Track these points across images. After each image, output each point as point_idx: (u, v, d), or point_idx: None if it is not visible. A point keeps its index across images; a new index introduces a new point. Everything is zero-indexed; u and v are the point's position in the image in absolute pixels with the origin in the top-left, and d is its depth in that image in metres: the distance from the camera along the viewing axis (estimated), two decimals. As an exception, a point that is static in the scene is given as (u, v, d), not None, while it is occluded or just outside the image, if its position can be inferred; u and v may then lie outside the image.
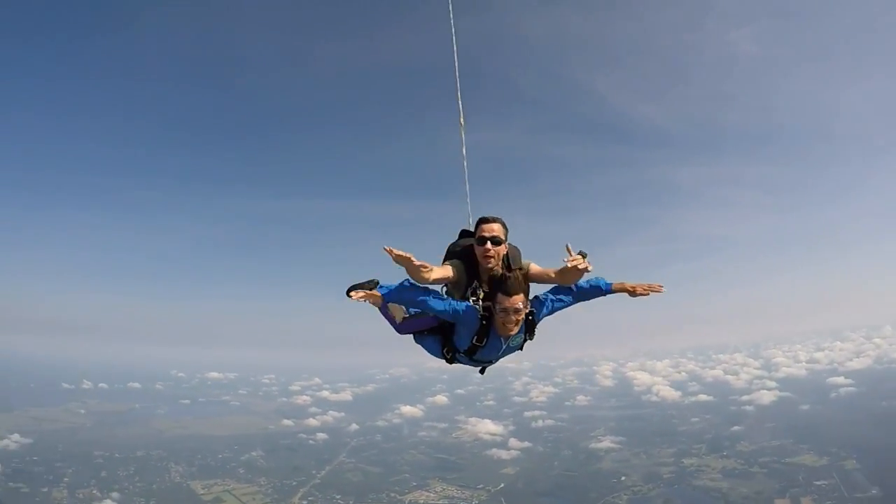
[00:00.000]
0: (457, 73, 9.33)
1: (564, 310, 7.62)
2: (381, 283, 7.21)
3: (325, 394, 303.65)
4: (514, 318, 6.77)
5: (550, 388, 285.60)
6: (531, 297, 7.36)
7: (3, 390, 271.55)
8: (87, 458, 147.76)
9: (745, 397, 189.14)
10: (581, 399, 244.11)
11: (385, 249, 6.22)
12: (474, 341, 7.24)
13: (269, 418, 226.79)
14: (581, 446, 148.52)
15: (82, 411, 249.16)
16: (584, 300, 7.61)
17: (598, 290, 7.51)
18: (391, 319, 8.14)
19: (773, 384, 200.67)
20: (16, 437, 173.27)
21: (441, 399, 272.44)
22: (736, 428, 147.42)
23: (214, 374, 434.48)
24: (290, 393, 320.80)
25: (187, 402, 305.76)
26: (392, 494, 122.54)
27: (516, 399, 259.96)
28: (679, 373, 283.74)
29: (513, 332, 7.00)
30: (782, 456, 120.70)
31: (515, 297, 6.64)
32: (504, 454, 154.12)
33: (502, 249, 7.21)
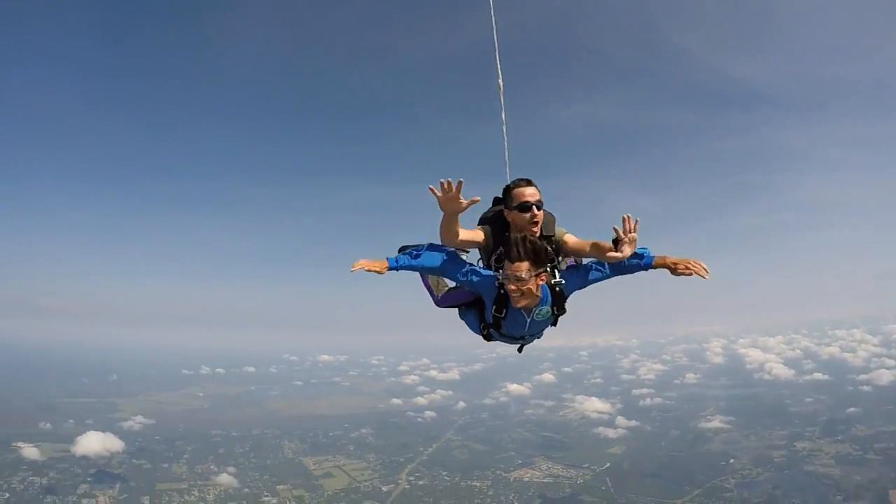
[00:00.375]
0: (494, 30, 8.65)
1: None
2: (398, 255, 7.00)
3: (433, 373, 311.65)
4: (515, 286, 6.32)
5: (659, 366, 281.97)
6: (567, 265, 7.41)
7: (127, 378, 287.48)
8: (205, 437, 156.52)
9: (862, 377, 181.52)
10: (690, 377, 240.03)
11: (431, 189, 6.13)
12: (494, 312, 7.00)
13: (379, 398, 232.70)
14: (689, 426, 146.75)
15: (201, 394, 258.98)
16: (623, 273, 7.26)
17: (637, 266, 7.02)
18: (431, 291, 8.12)
19: (893, 363, 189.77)
20: (139, 418, 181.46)
21: (548, 377, 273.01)
22: (852, 410, 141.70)
23: (325, 357, 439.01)
24: (398, 373, 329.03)
25: (300, 383, 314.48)
26: (497, 472, 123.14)
27: (624, 377, 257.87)
28: (793, 350, 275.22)
29: (521, 304, 6.59)
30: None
31: (519, 264, 6.22)
32: (611, 432, 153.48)
33: (543, 216, 6.97)
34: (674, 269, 6.78)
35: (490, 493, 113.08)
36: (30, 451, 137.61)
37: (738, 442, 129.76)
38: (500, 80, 8.68)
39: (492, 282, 6.79)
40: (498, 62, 8.77)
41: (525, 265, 6.17)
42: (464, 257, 7.41)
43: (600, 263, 7.09)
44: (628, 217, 6.36)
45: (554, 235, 7.13)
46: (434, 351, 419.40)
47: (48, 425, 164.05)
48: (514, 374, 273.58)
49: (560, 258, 7.29)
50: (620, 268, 7.03)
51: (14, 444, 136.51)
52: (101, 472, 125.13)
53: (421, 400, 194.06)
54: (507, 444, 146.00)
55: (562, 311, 7.17)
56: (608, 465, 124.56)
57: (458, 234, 6.61)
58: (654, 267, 6.93)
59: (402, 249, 7.09)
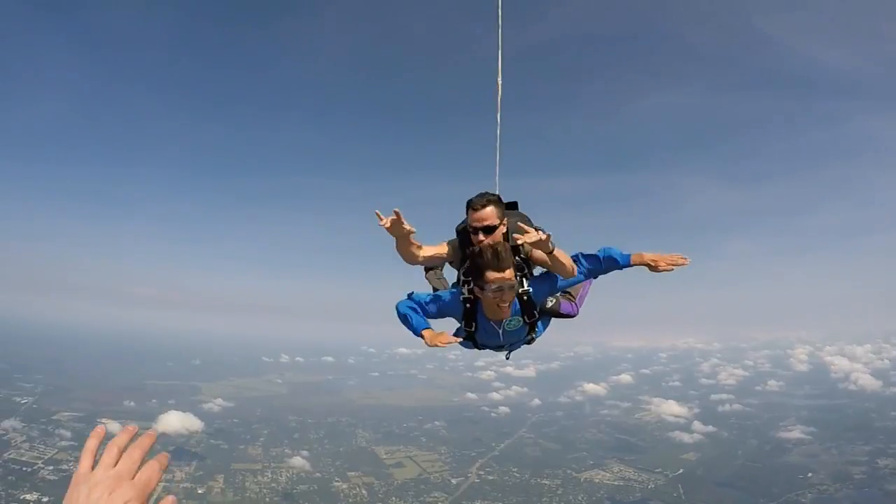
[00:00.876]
0: (500, 27, 8.72)
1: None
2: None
3: (509, 370, 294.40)
4: (496, 296, 6.33)
5: (740, 371, 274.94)
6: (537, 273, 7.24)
7: (209, 363, 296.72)
8: (281, 422, 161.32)
9: None
10: (772, 384, 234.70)
11: (376, 213, 6.22)
12: (465, 327, 7.09)
13: (454, 391, 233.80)
14: (768, 436, 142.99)
15: (279, 381, 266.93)
16: (599, 274, 7.38)
17: (613, 263, 7.08)
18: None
19: None
20: (219, 401, 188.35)
21: (625, 378, 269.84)
22: None
23: (403, 350, 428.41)
24: (474, 368, 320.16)
25: (376, 374, 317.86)
26: (568, 471, 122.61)
27: (703, 381, 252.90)
28: (882, 360, 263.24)
29: (502, 315, 6.78)
30: None
31: (499, 274, 6.19)
32: (686, 437, 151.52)
33: (497, 235, 6.64)
34: (653, 267, 6.90)
35: (559, 492, 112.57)
36: (113, 426, 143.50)
37: (817, 455, 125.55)
38: (500, 79, 8.83)
39: (457, 298, 6.88)
40: (500, 60, 8.95)
41: (504, 274, 6.14)
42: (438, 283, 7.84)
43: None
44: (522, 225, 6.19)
45: (523, 245, 6.71)
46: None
47: (132, 404, 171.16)
48: (590, 374, 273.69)
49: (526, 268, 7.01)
50: (595, 270, 7.20)
51: (100, 420, 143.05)
52: (179, 449, 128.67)
53: (496, 395, 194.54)
54: (580, 444, 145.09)
55: (532, 318, 7.15)
56: (681, 470, 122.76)
57: (416, 254, 6.72)
58: (632, 265, 7.02)
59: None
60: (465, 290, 6.72)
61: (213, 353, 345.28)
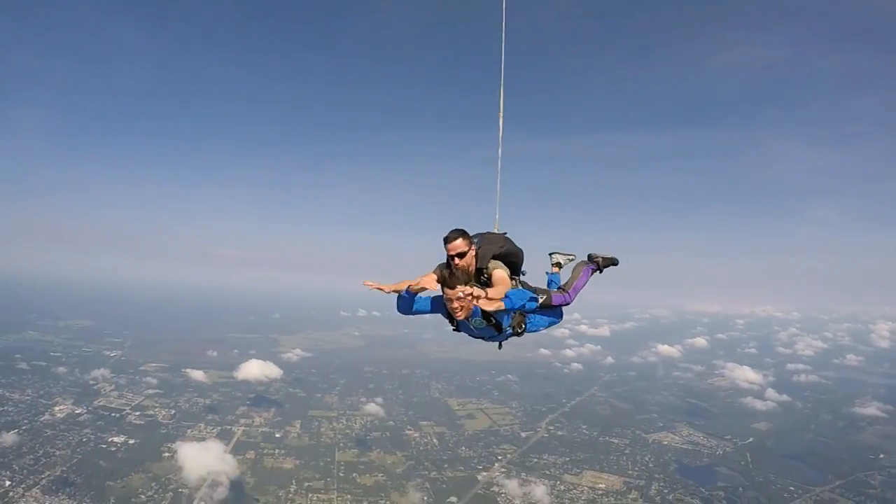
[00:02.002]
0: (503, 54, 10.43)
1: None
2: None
3: (584, 328, 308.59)
4: (454, 304, 8.34)
5: (818, 343, 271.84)
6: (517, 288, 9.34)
7: (289, 317, 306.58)
8: (357, 373, 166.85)
9: None
10: (851, 358, 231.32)
11: (366, 284, 8.72)
12: (451, 324, 9.22)
13: (527, 347, 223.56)
14: (843, 412, 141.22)
15: (357, 333, 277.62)
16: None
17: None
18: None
19: None
20: (297, 351, 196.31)
21: (700, 342, 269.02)
22: None
23: None
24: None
25: (452, 328, 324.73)
26: (637, 432, 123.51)
27: (780, 350, 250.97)
28: None
29: (461, 317, 8.51)
30: None
31: (452, 291, 8.18)
32: (759, 404, 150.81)
33: (468, 259, 8.83)
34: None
35: (627, 451, 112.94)
36: (196, 374, 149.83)
37: (892, 436, 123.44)
38: (501, 110, 10.52)
39: (442, 304, 8.76)
40: (501, 94, 10.39)
41: (457, 291, 8.09)
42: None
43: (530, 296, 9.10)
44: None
45: (487, 268, 9.03)
46: (587, 307, 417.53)
47: (214, 353, 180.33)
48: (665, 336, 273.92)
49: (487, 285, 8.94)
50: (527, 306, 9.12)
51: (184, 370, 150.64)
52: (259, 396, 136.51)
53: (569, 352, 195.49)
54: (651, 406, 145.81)
55: (492, 322, 8.97)
56: (751, 439, 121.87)
57: (427, 287, 8.52)
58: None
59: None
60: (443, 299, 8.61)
61: (293, 308, 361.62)
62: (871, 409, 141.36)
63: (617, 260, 11.18)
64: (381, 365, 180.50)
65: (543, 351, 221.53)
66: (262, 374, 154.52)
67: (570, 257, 11.66)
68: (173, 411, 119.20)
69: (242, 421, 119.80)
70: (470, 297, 8.13)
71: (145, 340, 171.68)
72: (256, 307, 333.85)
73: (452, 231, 8.88)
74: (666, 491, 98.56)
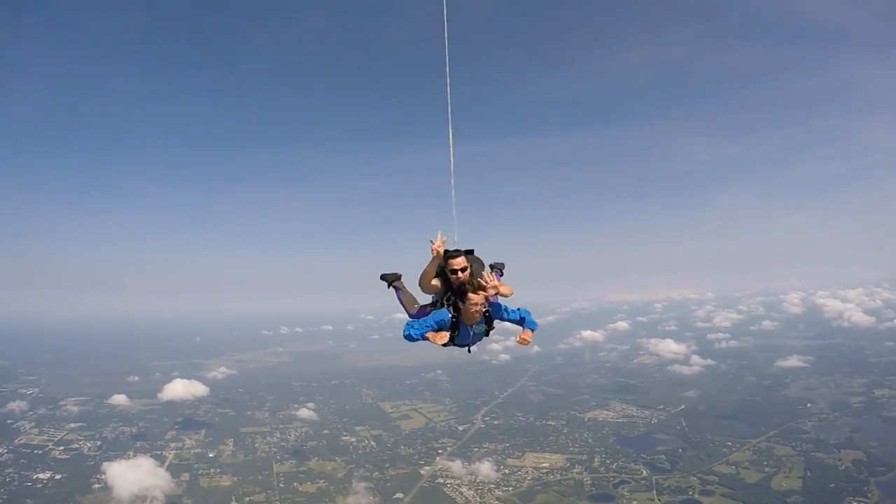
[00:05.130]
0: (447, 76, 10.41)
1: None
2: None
3: (507, 325, 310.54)
4: (475, 309, 9.47)
5: (734, 315, 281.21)
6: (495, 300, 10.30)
7: (210, 340, 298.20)
8: (286, 388, 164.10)
9: None
10: (767, 324, 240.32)
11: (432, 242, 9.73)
12: (451, 335, 9.96)
13: (453, 348, 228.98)
14: (766, 372, 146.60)
15: (281, 349, 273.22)
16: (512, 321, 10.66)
17: (516, 323, 10.56)
18: (406, 310, 11.88)
19: None
20: (222, 369, 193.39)
21: (622, 325, 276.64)
22: None
23: (401, 316, 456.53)
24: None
25: (376, 337, 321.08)
26: (572, 412, 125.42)
27: (699, 324, 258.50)
28: (874, 300, 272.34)
29: (472, 321, 9.78)
30: None
31: (477, 296, 9.31)
32: (686, 370, 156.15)
33: (468, 273, 9.89)
34: (520, 341, 10.43)
35: (565, 431, 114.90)
36: (119, 399, 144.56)
37: (815, 388, 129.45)
38: (450, 128, 10.68)
39: (447, 317, 9.76)
40: (449, 104, 10.60)
41: (481, 296, 9.35)
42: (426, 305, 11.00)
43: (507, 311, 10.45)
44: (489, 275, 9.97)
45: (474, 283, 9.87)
46: (508, 306, 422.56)
47: (136, 378, 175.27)
48: (588, 324, 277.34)
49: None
50: (511, 316, 10.51)
51: (106, 400, 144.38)
52: (187, 419, 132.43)
53: (496, 346, 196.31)
54: (582, 388, 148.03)
55: (491, 327, 10.39)
56: (683, 406, 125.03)
57: (431, 280, 10.14)
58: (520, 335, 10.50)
59: (383, 277, 12.38)
60: (450, 309, 9.85)
61: (214, 331, 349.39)
62: (793, 361, 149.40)
63: (504, 264, 12.99)
64: (310, 378, 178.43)
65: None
66: (188, 394, 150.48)
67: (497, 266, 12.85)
68: (99, 442, 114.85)
69: (173, 445, 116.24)
70: (494, 289, 9.60)
71: (63, 376, 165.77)
72: (175, 333, 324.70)
73: (454, 250, 10.03)
74: (609, 461, 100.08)
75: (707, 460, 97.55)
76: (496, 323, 10.52)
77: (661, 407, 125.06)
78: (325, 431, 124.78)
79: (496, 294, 9.86)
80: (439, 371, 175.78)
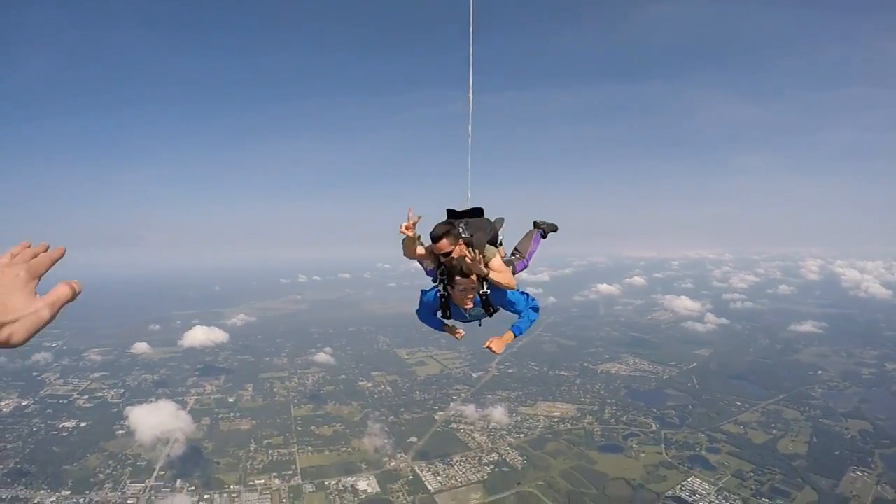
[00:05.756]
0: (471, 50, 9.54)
1: None
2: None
3: (523, 275, 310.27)
4: (463, 295, 8.71)
5: (751, 277, 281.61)
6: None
7: (229, 289, 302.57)
8: (304, 335, 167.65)
9: None
10: (783, 289, 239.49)
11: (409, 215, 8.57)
12: (441, 315, 9.55)
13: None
14: (779, 336, 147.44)
15: (299, 297, 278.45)
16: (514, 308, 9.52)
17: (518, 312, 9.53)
18: (422, 265, 10.29)
19: None
20: (241, 317, 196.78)
21: (638, 280, 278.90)
22: None
23: (418, 266, 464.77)
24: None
25: (393, 285, 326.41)
26: (585, 364, 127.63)
27: (715, 284, 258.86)
28: (892, 274, 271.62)
29: (466, 306, 8.89)
30: None
31: (467, 280, 8.51)
32: (700, 327, 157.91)
33: (458, 252, 8.73)
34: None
35: (577, 381, 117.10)
36: (141, 347, 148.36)
37: (827, 356, 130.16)
38: (471, 92, 10.14)
39: (436, 296, 9.31)
40: (471, 72, 10.02)
41: (468, 280, 8.52)
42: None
43: (511, 301, 9.30)
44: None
45: (484, 257, 8.93)
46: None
47: (157, 327, 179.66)
48: (604, 277, 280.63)
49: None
50: (517, 304, 9.40)
51: (128, 350, 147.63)
52: (207, 366, 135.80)
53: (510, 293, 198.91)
54: (596, 341, 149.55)
55: (490, 313, 9.41)
56: (695, 364, 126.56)
57: (416, 252, 9.07)
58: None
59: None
60: (440, 288, 9.11)
61: (232, 280, 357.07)
62: (807, 326, 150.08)
63: (556, 226, 12.17)
64: (327, 325, 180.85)
65: None
66: (208, 340, 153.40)
67: (501, 221, 11.20)
68: (122, 390, 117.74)
69: (193, 391, 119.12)
70: (473, 258, 8.41)
71: (85, 328, 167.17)
72: (194, 283, 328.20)
73: (438, 227, 9.02)
74: (619, 413, 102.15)
75: (716, 418, 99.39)
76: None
77: (674, 363, 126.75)
78: (342, 377, 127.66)
79: (487, 276, 8.87)
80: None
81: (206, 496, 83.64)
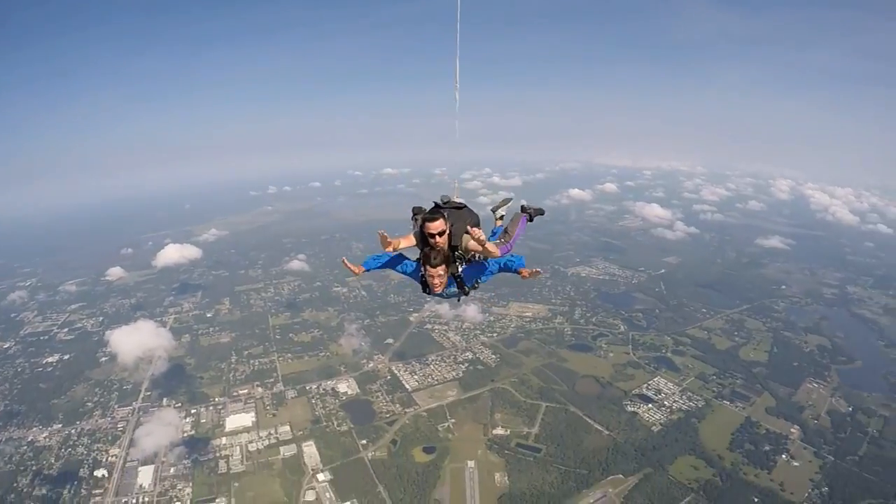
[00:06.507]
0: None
1: None
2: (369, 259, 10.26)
3: (496, 179, 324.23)
4: (433, 280, 9.57)
5: (722, 191, 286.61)
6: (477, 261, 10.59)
7: (199, 206, 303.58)
8: (277, 245, 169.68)
9: None
10: (753, 205, 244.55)
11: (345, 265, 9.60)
12: (422, 290, 10.23)
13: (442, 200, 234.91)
14: (746, 250, 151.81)
15: (270, 208, 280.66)
16: (502, 272, 10.27)
17: (511, 270, 10.03)
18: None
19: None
20: (213, 232, 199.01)
21: (610, 187, 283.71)
22: None
23: (389, 171, 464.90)
24: (461, 180, 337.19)
25: (365, 191, 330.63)
26: (556, 267, 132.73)
27: (686, 195, 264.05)
28: (861, 202, 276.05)
29: (437, 289, 9.82)
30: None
31: (435, 269, 9.37)
32: (669, 234, 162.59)
33: (446, 236, 9.73)
34: (523, 276, 9.65)
35: (548, 283, 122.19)
36: (115, 272, 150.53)
37: (791, 273, 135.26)
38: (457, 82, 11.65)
39: (417, 272, 10.00)
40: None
41: (439, 269, 9.42)
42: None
43: (493, 263, 10.13)
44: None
45: (461, 244, 9.98)
46: (497, 163, 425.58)
47: (130, 250, 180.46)
48: (576, 183, 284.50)
49: (464, 256, 10.28)
50: (501, 268, 10.12)
51: (103, 277, 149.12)
52: (183, 284, 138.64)
53: (483, 199, 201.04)
54: (567, 245, 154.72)
55: (463, 289, 10.33)
56: (663, 271, 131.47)
57: (396, 248, 9.55)
58: (519, 273, 9.88)
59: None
60: (421, 269, 9.72)
61: (202, 197, 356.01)
62: (774, 242, 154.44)
63: (543, 210, 12.92)
64: (300, 235, 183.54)
65: (457, 200, 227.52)
66: (182, 258, 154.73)
67: (507, 201, 13.13)
68: (101, 318, 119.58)
69: (171, 310, 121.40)
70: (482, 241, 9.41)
71: (57, 261, 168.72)
72: (163, 204, 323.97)
73: (432, 211, 10.07)
74: (589, 315, 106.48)
75: (682, 323, 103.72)
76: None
77: (643, 269, 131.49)
78: (317, 284, 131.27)
79: (479, 253, 9.99)
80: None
81: (192, 411, 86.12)
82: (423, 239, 9.81)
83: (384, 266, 10.32)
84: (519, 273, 9.75)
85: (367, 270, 10.19)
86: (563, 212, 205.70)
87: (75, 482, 68.80)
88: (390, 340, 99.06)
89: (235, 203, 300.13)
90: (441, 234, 9.59)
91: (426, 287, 10.07)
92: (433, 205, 10.71)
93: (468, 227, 9.85)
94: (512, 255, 10.17)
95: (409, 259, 10.32)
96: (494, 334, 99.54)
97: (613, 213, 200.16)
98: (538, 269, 9.46)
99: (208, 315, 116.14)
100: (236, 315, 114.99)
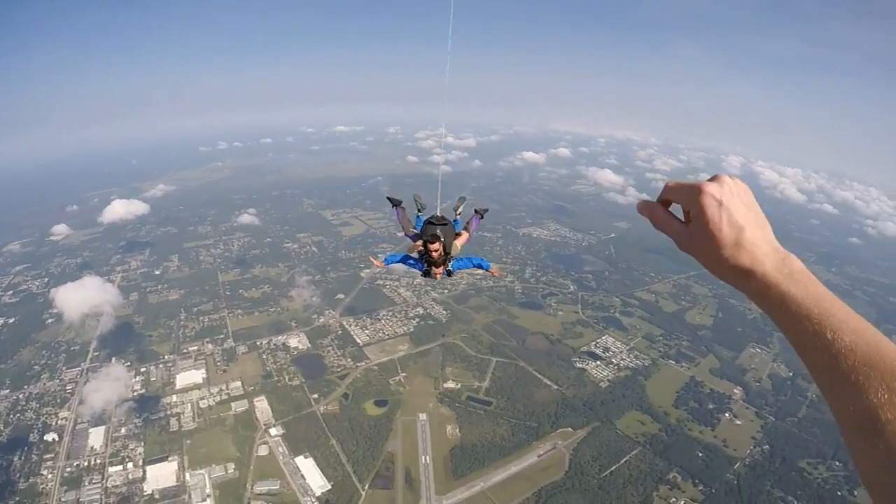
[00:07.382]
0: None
1: None
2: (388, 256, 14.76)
3: (450, 139, 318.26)
4: (437, 274, 14.20)
5: (674, 162, 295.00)
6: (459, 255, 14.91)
7: (146, 162, 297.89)
8: (227, 202, 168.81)
9: (869, 221, 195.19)
10: (704, 177, 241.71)
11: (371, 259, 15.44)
12: (423, 276, 14.72)
13: (395, 161, 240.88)
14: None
15: (220, 164, 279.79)
16: (477, 268, 14.96)
17: (485, 268, 14.86)
18: (402, 227, 15.81)
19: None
20: (161, 187, 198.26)
21: (564, 152, 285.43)
22: (853, 240, 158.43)
23: (342, 128, 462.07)
24: (415, 139, 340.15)
25: (317, 148, 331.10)
26: (508, 227, 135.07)
27: (639, 163, 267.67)
28: (809, 183, 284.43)
29: (438, 278, 14.54)
30: (889, 294, 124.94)
31: (437, 269, 14.06)
32: (621, 199, 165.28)
33: (440, 250, 13.93)
34: (494, 275, 15.52)
35: (500, 243, 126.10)
36: (60, 229, 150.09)
37: None
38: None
39: (421, 266, 14.44)
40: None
41: (441, 268, 14.11)
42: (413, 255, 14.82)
43: (468, 259, 14.82)
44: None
45: (451, 251, 14.18)
46: (450, 124, 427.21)
47: (75, 207, 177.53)
48: (530, 146, 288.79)
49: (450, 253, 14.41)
50: (474, 266, 14.83)
51: (47, 238, 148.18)
52: (130, 242, 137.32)
53: (437, 158, 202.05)
54: (519, 207, 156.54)
55: (450, 275, 14.82)
56: (613, 235, 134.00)
57: (411, 251, 14.54)
58: (490, 272, 15.36)
59: (390, 200, 16.86)
60: (425, 265, 14.37)
61: (149, 152, 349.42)
62: None
63: (488, 209, 17.49)
64: (251, 191, 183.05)
65: (411, 158, 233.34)
66: (129, 213, 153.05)
67: (463, 199, 17.65)
68: (46, 279, 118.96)
69: (119, 268, 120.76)
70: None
71: (1, 223, 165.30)
72: (109, 159, 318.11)
73: (433, 235, 13.74)
74: (539, 274, 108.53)
75: (630, 285, 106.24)
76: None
77: (593, 232, 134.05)
78: (268, 240, 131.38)
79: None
80: (380, 178, 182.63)
81: (142, 370, 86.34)
82: (426, 250, 14.08)
83: (398, 262, 14.64)
84: (490, 272, 15.11)
85: (386, 265, 14.84)
86: (517, 173, 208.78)
87: (25, 448, 69.16)
88: (341, 296, 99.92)
89: (184, 159, 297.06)
90: (437, 250, 13.82)
91: (427, 275, 14.59)
92: (430, 223, 14.22)
93: (455, 238, 14.27)
94: (482, 259, 14.81)
95: (413, 258, 14.53)
96: (445, 291, 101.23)
97: (566, 177, 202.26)
98: (498, 268, 15.24)
99: (156, 272, 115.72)
100: (185, 272, 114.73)
